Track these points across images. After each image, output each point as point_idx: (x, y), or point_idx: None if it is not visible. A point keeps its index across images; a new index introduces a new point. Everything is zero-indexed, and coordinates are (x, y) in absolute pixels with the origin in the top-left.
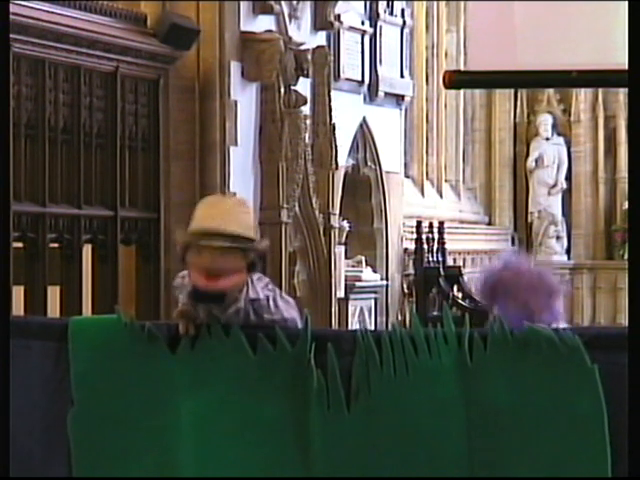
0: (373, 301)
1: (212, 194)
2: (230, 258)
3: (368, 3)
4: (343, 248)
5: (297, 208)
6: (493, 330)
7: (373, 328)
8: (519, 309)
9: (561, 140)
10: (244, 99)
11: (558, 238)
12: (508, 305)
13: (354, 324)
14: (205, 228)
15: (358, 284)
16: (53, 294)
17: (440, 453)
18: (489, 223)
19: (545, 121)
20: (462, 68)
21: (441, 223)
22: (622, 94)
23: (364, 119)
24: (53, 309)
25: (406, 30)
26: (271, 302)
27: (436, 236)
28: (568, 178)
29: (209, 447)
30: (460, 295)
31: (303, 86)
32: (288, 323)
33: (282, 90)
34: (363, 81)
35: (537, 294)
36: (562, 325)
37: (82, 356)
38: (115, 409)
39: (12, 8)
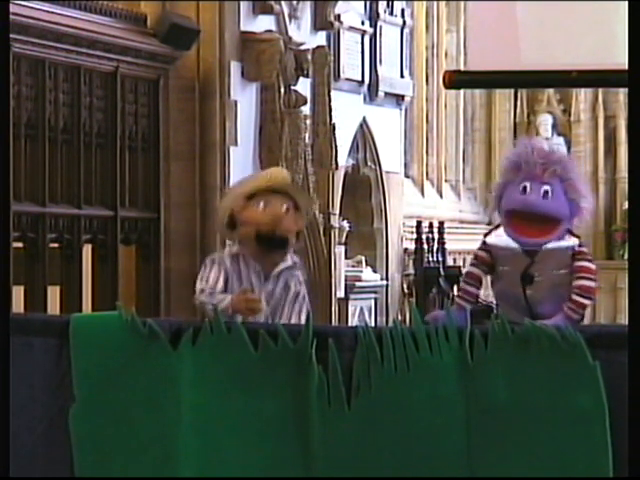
0: (373, 301)
1: (212, 194)
2: (293, 213)
3: (368, 3)
4: (343, 248)
5: None
6: (494, 327)
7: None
8: None
9: (561, 140)
10: (244, 99)
11: None
12: None
13: (354, 324)
14: (272, 183)
15: (358, 284)
16: (53, 294)
17: (440, 450)
18: (489, 223)
19: (545, 121)
20: (462, 68)
21: (441, 223)
22: (622, 94)
23: (364, 119)
24: (53, 309)
25: (406, 30)
26: (301, 272)
27: (436, 236)
28: None
29: (210, 443)
30: None
31: (303, 86)
32: (305, 303)
33: (282, 90)
34: (363, 81)
35: None
36: None
37: (83, 353)
38: (117, 405)
39: (12, 8)
